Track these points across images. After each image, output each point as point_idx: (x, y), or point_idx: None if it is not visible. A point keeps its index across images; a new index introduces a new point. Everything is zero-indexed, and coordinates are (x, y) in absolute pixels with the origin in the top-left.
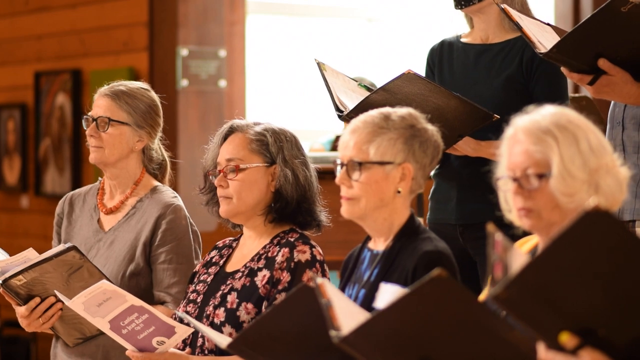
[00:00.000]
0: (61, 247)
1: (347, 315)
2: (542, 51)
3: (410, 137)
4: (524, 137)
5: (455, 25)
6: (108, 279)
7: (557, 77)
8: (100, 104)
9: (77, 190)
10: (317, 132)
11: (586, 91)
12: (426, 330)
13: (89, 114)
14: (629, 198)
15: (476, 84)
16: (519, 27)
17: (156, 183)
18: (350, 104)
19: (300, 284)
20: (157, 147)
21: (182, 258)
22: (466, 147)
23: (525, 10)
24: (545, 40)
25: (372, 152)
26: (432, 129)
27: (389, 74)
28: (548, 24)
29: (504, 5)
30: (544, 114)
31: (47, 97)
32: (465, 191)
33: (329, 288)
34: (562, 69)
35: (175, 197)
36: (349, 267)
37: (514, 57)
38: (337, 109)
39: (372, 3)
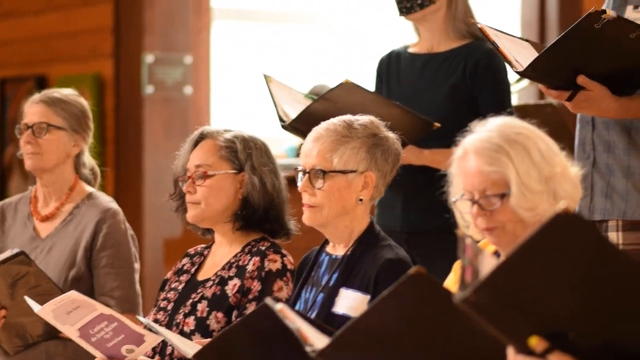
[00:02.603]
0: (9, 253)
1: (313, 333)
2: (519, 70)
3: (373, 145)
4: (476, 158)
5: (404, 33)
6: (56, 285)
7: (501, 85)
8: (34, 111)
9: (7, 200)
10: (281, 139)
11: (550, 97)
12: (407, 331)
13: (23, 122)
14: (599, 198)
15: (422, 93)
16: (495, 47)
17: (90, 189)
18: (294, 114)
19: (261, 303)
20: (87, 152)
21: (123, 262)
22: (409, 155)
23: (469, 17)
24: (522, 58)
25: (336, 161)
26: (392, 137)
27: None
28: (526, 40)
29: (480, 25)
30: (490, 129)
31: (12, 104)
32: (410, 199)
33: (289, 311)
34: (540, 86)
35: (112, 201)
36: (305, 270)
37: (458, 65)
38: (281, 119)
39: (336, 10)
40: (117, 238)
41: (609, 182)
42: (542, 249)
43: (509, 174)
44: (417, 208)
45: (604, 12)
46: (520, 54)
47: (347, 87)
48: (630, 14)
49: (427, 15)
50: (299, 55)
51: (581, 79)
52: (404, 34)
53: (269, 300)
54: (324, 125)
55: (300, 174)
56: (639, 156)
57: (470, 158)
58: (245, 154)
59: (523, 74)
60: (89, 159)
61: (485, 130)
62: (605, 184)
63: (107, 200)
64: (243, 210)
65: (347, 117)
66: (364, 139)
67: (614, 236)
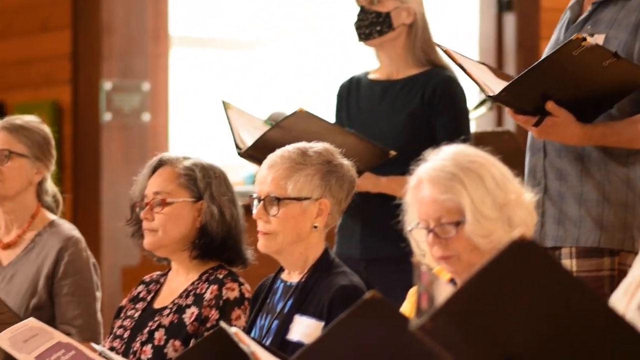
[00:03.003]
0: None
1: (267, 357)
2: (490, 94)
3: (327, 172)
4: (430, 187)
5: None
6: (16, 314)
7: (459, 112)
8: None
9: None
10: (239, 166)
11: (509, 124)
12: (362, 356)
13: None
14: (552, 224)
15: (381, 120)
16: (464, 70)
17: (52, 216)
18: (251, 142)
19: (216, 327)
20: (50, 179)
21: (84, 290)
22: (366, 183)
23: (429, 44)
24: (488, 82)
25: (290, 188)
26: (347, 164)
27: (315, 106)
28: (483, 63)
29: (445, 47)
30: (444, 158)
31: None
32: (369, 226)
33: (244, 335)
34: (507, 110)
35: (74, 229)
36: (260, 297)
37: (416, 93)
38: (237, 146)
39: (295, 37)
40: (79, 266)
41: (562, 209)
42: (498, 276)
43: (463, 202)
44: (375, 235)
45: (585, 39)
46: (485, 77)
47: (302, 116)
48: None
49: (386, 42)
50: (257, 82)
51: (550, 106)
52: (361, 61)
53: (223, 324)
54: (278, 152)
55: (255, 201)
56: (591, 183)
57: (425, 187)
58: (204, 182)
59: (496, 99)
60: (51, 186)
61: (439, 159)
62: (558, 211)
63: (69, 228)
64: (201, 239)
65: (302, 145)
66: (318, 166)
67: (568, 263)
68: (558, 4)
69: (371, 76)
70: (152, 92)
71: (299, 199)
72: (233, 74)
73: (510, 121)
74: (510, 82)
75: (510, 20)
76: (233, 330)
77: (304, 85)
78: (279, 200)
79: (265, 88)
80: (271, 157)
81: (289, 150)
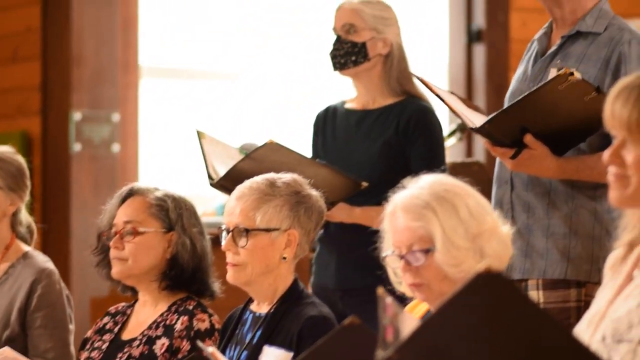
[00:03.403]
0: None
1: None
2: (472, 126)
3: (296, 203)
4: (404, 214)
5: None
6: None
7: (434, 142)
8: None
9: None
10: (210, 197)
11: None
12: None
13: None
14: (518, 257)
15: (356, 149)
16: (443, 101)
17: (27, 248)
18: (224, 172)
19: (195, 347)
20: (24, 210)
21: (57, 322)
22: (340, 213)
23: (405, 75)
24: (468, 113)
25: (259, 219)
26: (316, 194)
27: (289, 136)
28: (452, 93)
29: (422, 78)
30: (421, 186)
31: None
32: (344, 256)
33: (220, 355)
34: (485, 142)
35: (48, 261)
36: (229, 328)
37: (392, 122)
38: (210, 176)
39: (266, 68)
40: (52, 299)
41: (529, 241)
42: (464, 308)
43: (434, 230)
44: (350, 266)
45: (572, 74)
46: (465, 110)
47: (272, 147)
48: (554, 75)
49: (361, 73)
50: (228, 113)
51: (529, 139)
52: (330, 91)
53: (200, 343)
54: (247, 183)
55: (224, 233)
56: (558, 216)
57: (399, 214)
58: (176, 213)
59: (477, 130)
60: (25, 217)
61: (415, 187)
62: (525, 243)
63: (43, 260)
64: (171, 270)
65: (270, 176)
66: (286, 197)
67: (535, 295)
68: (528, 36)
69: (347, 105)
70: (121, 123)
71: (267, 230)
72: (203, 105)
73: (480, 152)
74: (493, 114)
75: (479, 51)
76: (210, 349)
77: (278, 116)
78: (247, 231)
79: (237, 119)
80: (239, 189)
81: (257, 181)
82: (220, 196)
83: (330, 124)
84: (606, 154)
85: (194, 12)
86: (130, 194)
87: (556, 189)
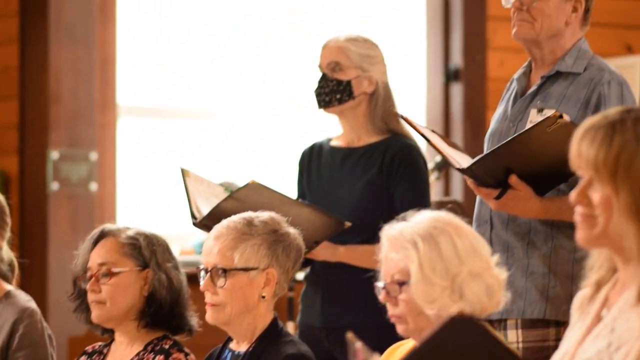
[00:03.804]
0: None
1: None
2: (457, 167)
3: (274, 242)
4: (389, 245)
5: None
6: None
7: (418, 180)
8: None
9: None
10: (188, 235)
11: (456, 194)
12: None
13: None
14: (509, 297)
15: (340, 187)
16: (428, 141)
17: (9, 287)
18: (207, 211)
19: None
20: (5, 247)
21: None
22: (325, 252)
23: (390, 113)
24: (453, 154)
25: (237, 259)
26: (294, 232)
27: (271, 176)
28: (433, 131)
29: (405, 116)
30: (416, 220)
31: None
32: (329, 295)
33: None
34: (469, 182)
35: (30, 300)
36: None
37: (376, 160)
38: (193, 215)
39: (243, 108)
40: (34, 338)
41: (508, 281)
42: (436, 352)
43: (411, 263)
44: (335, 304)
45: (561, 116)
46: (449, 150)
47: (254, 187)
48: (534, 117)
49: (346, 111)
50: (207, 151)
51: (514, 180)
52: (310, 130)
53: None
54: (224, 223)
55: (202, 272)
56: (537, 256)
57: (385, 245)
58: (149, 250)
59: (463, 171)
60: (7, 253)
61: (411, 221)
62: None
63: (25, 300)
64: (150, 307)
65: (248, 214)
66: (264, 235)
67: (513, 334)
68: (505, 75)
69: (333, 143)
70: (99, 162)
71: (246, 270)
72: (182, 144)
73: (458, 191)
74: (481, 156)
75: (457, 90)
76: None
77: (257, 155)
78: (225, 271)
79: (216, 157)
80: (217, 228)
81: (235, 220)
82: (198, 234)
83: (316, 162)
84: (573, 194)
85: (172, 51)
86: (102, 235)
87: (536, 228)
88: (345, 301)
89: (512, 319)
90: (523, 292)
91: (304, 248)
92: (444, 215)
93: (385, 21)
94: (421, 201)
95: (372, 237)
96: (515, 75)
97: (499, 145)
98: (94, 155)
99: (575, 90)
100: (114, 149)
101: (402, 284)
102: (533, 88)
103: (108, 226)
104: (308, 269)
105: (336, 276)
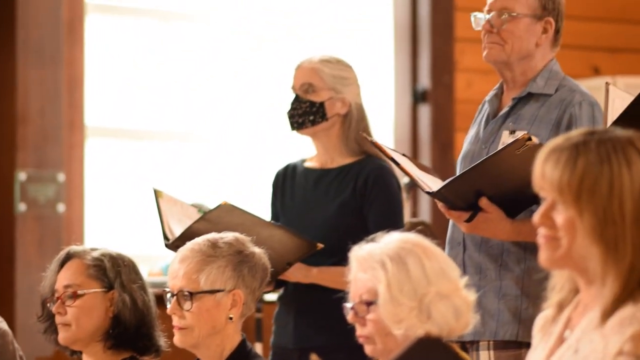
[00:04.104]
0: None
1: None
2: (427, 190)
3: (239, 263)
4: (357, 265)
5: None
6: None
7: (391, 202)
8: None
9: None
10: (156, 256)
11: (424, 215)
12: None
13: None
14: (477, 319)
15: (313, 209)
16: (397, 165)
17: None
18: (180, 232)
19: None
20: None
21: None
22: (297, 273)
23: (362, 124)
24: (423, 177)
25: (203, 281)
26: (259, 252)
27: (240, 196)
28: (404, 154)
29: (375, 141)
30: (386, 241)
31: None
32: (302, 316)
33: None
34: (440, 206)
35: (2, 321)
36: None
37: (349, 182)
38: (165, 236)
39: (212, 126)
40: (6, 359)
41: (480, 303)
42: None
43: (379, 283)
44: (307, 325)
45: (530, 139)
46: (420, 173)
47: (226, 209)
48: (506, 138)
49: (319, 132)
50: (178, 172)
51: (484, 203)
52: (286, 151)
53: None
54: (189, 245)
55: (168, 295)
56: (510, 278)
57: (354, 265)
58: (114, 271)
59: (434, 195)
60: None
61: (380, 242)
62: (477, 305)
63: None
64: (115, 328)
65: (212, 236)
66: (229, 257)
67: (485, 355)
68: (472, 96)
69: (307, 164)
70: (67, 183)
71: (212, 292)
72: (151, 165)
73: (425, 212)
74: (450, 179)
75: (425, 112)
76: None
77: (232, 177)
78: (192, 295)
79: (190, 180)
80: (182, 251)
81: (199, 242)
82: (168, 256)
83: (290, 183)
84: (536, 216)
85: (142, 71)
86: (68, 257)
87: (508, 250)
88: (318, 322)
89: (484, 341)
90: (495, 313)
91: (270, 267)
92: (412, 236)
93: (353, 42)
94: (394, 223)
95: (345, 259)
96: (487, 97)
97: (469, 168)
98: (61, 177)
99: (547, 112)
100: (82, 170)
101: (370, 304)
102: (505, 110)
103: (74, 248)
104: (282, 290)
105: (309, 297)
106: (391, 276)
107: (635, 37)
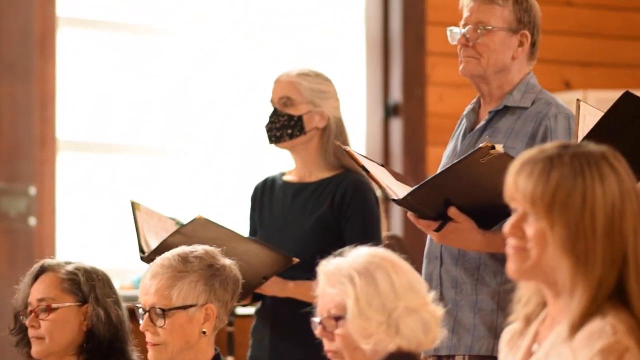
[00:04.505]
0: None
1: None
2: (394, 198)
3: (210, 277)
4: (325, 280)
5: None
6: None
7: (368, 216)
8: None
9: None
10: (128, 270)
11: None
12: None
13: None
14: (445, 333)
15: (291, 223)
16: (367, 173)
17: None
18: (156, 245)
19: None
20: None
21: None
22: (274, 287)
23: (341, 137)
24: (392, 185)
25: (174, 297)
26: (230, 264)
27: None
28: (383, 165)
29: (347, 148)
30: (354, 255)
31: None
32: (278, 330)
33: None
34: (409, 215)
35: None
36: None
37: (327, 197)
38: (141, 249)
39: (186, 141)
40: None
41: (456, 317)
42: None
43: (347, 298)
44: (283, 339)
45: (493, 147)
46: (388, 180)
47: (201, 223)
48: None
49: (297, 146)
50: (150, 187)
51: (453, 212)
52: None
53: None
54: (158, 261)
55: (140, 311)
56: (486, 292)
57: (322, 280)
58: (88, 285)
59: (400, 202)
60: None
61: (347, 256)
62: (452, 319)
63: None
64: (88, 342)
65: (182, 250)
66: (200, 271)
67: None
68: (444, 110)
69: (286, 177)
70: (38, 197)
71: (184, 308)
72: (124, 179)
73: (397, 226)
74: (415, 187)
75: (396, 125)
76: None
77: (207, 192)
78: (164, 311)
79: (164, 194)
80: (152, 267)
81: (169, 257)
82: (138, 270)
83: (268, 196)
84: (506, 226)
85: (115, 85)
86: (42, 270)
87: (485, 263)
88: (294, 336)
89: (460, 355)
90: (471, 328)
91: (242, 279)
92: (380, 251)
93: (324, 56)
94: (371, 237)
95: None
96: (465, 112)
97: (433, 175)
98: (32, 190)
99: (523, 125)
100: (54, 183)
101: (338, 318)
102: (481, 123)
103: (48, 261)
104: (259, 304)
105: (285, 311)
106: (360, 291)
107: (606, 51)
